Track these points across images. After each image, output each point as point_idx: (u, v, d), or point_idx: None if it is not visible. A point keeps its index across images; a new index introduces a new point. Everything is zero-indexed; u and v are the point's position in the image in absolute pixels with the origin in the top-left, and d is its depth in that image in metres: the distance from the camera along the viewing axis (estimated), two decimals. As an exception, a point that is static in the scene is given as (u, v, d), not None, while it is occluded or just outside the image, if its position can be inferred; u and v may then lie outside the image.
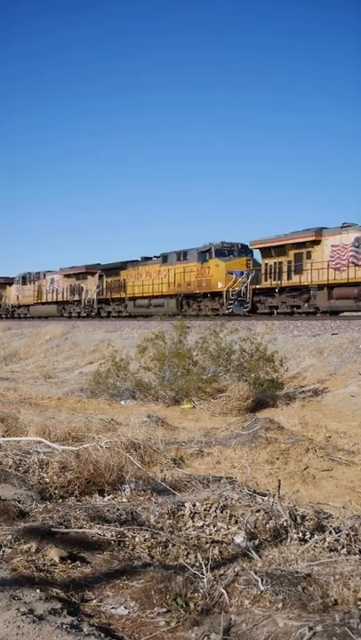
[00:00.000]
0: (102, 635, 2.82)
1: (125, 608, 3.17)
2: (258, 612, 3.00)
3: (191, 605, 3.13)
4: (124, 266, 33.31)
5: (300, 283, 22.73)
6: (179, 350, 12.92)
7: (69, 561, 3.66)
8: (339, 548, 3.84)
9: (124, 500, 5.05)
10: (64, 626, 2.81)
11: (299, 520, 4.24)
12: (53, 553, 3.68)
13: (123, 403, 12.86)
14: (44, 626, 2.78)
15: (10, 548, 3.80)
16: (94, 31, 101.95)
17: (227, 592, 3.22)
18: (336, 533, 3.98)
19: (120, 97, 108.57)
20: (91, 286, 35.59)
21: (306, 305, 22.66)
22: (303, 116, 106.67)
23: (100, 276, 35.08)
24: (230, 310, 24.71)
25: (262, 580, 3.26)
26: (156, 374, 13.09)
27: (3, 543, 3.86)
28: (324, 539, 3.92)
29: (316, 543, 3.88)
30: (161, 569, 3.56)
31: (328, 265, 21.28)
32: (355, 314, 20.25)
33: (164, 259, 29.61)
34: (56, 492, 5.12)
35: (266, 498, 4.89)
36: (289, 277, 23.42)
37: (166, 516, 4.44)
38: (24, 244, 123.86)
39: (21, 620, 2.82)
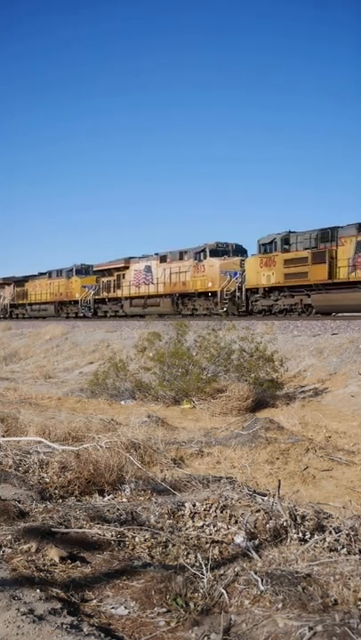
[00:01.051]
0: (102, 635, 2.82)
1: (125, 608, 3.17)
2: (258, 612, 3.00)
3: (191, 605, 3.13)
4: (26, 279, 42.86)
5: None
6: (177, 350, 12.92)
7: (69, 561, 3.66)
8: (339, 547, 3.84)
9: (124, 500, 5.05)
10: (64, 626, 2.81)
11: (299, 520, 4.24)
12: (53, 553, 3.68)
13: (123, 403, 12.86)
14: (44, 626, 2.78)
15: (10, 548, 3.80)
16: (94, 31, 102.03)
17: (227, 592, 3.22)
18: (336, 533, 3.98)
19: (120, 97, 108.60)
20: (7, 294, 45.31)
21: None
22: (303, 115, 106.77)
23: (14, 286, 44.02)
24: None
25: (262, 580, 3.26)
26: (156, 374, 13.09)
27: (3, 543, 3.86)
28: (324, 539, 3.92)
29: (316, 543, 3.88)
30: (161, 569, 3.56)
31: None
32: (355, 314, 20.26)
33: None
34: (56, 491, 5.12)
35: (266, 498, 4.89)
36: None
37: (166, 515, 4.44)
38: (24, 244, 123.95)
39: (21, 620, 2.82)
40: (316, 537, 3.96)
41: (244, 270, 24.99)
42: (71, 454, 5.68)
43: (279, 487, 4.73)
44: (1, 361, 23.65)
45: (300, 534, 4.02)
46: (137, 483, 5.43)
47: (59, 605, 3.04)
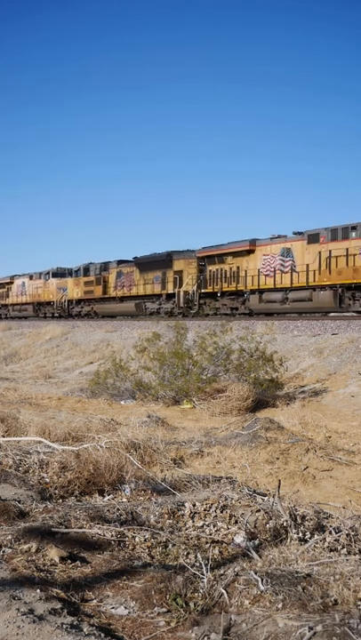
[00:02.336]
0: (102, 635, 2.82)
1: (125, 608, 3.17)
2: (258, 612, 3.00)
3: (191, 605, 3.13)
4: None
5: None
6: (177, 350, 12.92)
7: (69, 561, 3.66)
8: (339, 547, 3.84)
9: (124, 500, 5.05)
10: (64, 626, 2.81)
11: (299, 520, 4.24)
12: (53, 553, 3.68)
13: (123, 403, 12.87)
14: (44, 626, 2.78)
15: (10, 548, 3.80)
16: (93, 26, 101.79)
17: (227, 592, 3.22)
18: (336, 533, 3.98)
19: (118, 92, 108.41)
20: None
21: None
22: (304, 111, 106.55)
23: None
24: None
25: (262, 580, 3.26)
26: (156, 374, 13.10)
27: (3, 543, 3.86)
28: (325, 539, 3.92)
29: (316, 543, 3.88)
30: (161, 569, 3.56)
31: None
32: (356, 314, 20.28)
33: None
34: (56, 492, 5.13)
35: (266, 498, 4.90)
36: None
37: (166, 515, 4.44)
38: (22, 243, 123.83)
39: (21, 620, 2.82)
40: (316, 537, 3.96)
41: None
42: (71, 454, 5.68)
43: (279, 487, 4.72)
44: (1, 361, 23.65)
45: (301, 534, 4.02)
46: (137, 483, 5.43)
47: (59, 605, 3.04)
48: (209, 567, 3.45)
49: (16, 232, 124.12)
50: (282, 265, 23.20)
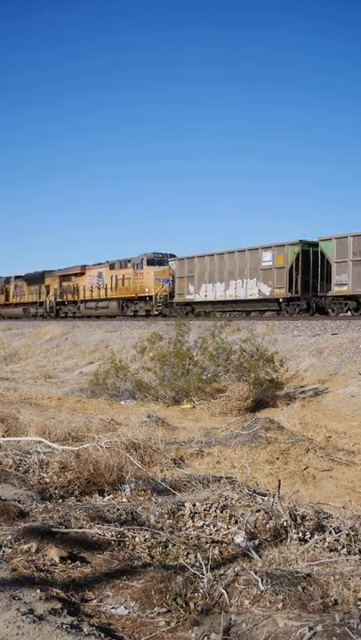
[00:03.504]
0: (102, 635, 2.82)
1: (125, 608, 3.17)
2: (258, 612, 3.00)
3: (191, 605, 3.13)
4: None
5: None
6: (178, 350, 12.92)
7: (69, 561, 3.66)
8: (339, 547, 3.84)
9: (124, 500, 5.05)
10: (64, 626, 2.81)
11: (299, 520, 4.24)
12: (53, 553, 3.68)
13: (123, 403, 12.87)
14: (44, 626, 2.78)
15: (10, 547, 3.80)
16: (93, 26, 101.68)
17: (227, 592, 3.22)
18: (336, 533, 3.98)
19: (118, 91, 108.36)
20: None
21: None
22: (304, 111, 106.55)
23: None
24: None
25: (262, 580, 3.26)
26: (156, 374, 13.10)
27: (3, 543, 3.86)
28: (325, 539, 3.92)
29: (316, 543, 3.88)
30: (161, 569, 3.56)
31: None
32: (355, 313, 20.33)
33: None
34: (56, 491, 5.13)
35: (266, 498, 4.90)
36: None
37: (166, 515, 4.44)
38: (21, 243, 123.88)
39: (21, 620, 2.82)
40: (316, 537, 3.96)
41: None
42: (71, 454, 5.68)
43: (279, 487, 4.72)
44: (1, 361, 23.64)
45: (301, 534, 4.02)
46: (137, 483, 5.43)
47: (59, 605, 3.04)
48: (209, 567, 3.45)
49: (16, 232, 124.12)
50: (98, 284, 34.49)
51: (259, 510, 4.42)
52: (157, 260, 31.07)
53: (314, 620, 2.85)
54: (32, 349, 25.48)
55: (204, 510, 4.53)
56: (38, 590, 3.17)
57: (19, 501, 4.74)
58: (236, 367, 12.86)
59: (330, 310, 21.50)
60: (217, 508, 4.54)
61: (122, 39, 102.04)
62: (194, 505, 4.61)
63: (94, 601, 3.26)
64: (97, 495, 5.17)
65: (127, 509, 4.51)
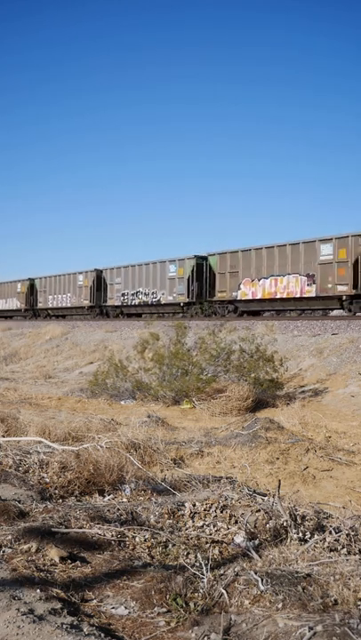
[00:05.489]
0: (102, 635, 2.82)
1: (125, 608, 3.17)
2: (258, 612, 3.00)
3: (191, 605, 3.13)
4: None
5: None
6: (177, 350, 12.92)
7: (69, 561, 3.66)
8: (339, 547, 3.84)
9: (124, 500, 5.05)
10: (64, 626, 2.81)
11: (299, 520, 4.24)
12: (53, 553, 3.68)
13: (123, 403, 12.87)
14: (44, 626, 2.78)
15: (10, 547, 3.80)
16: (93, 26, 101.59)
17: (227, 592, 3.22)
18: (336, 533, 3.98)
19: (119, 91, 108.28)
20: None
21: None
22: (304, 111, 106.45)
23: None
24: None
25: (262, 580, 3.26)
26: (156, 374, 13.10)
27: (3, 543, 3.86)
28: (325, 539, 3.92)
29: (316, 543, 3.88)
30: (161, 569, 3.56)
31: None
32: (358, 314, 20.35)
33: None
34: (56, 492, 5.13)
35: (266, 498, 4.90)
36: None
37: (166, 515, 4.44)
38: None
39: (21, 620, 2.82)
40: (316, 537, 3.96)
41: None
42: (71, 454, 5.68)
43: (279, 487, 4.73)
44: (1, 361, 23.64)
45: (301, 534, 4.02)
46: (137, 483, 5.43)
47: (59, 605, 3.04)
48: (209, 567, 3.45)
49: (16, 232, 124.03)
50: None
51: (259, 510, 4.42)
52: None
53: (314, 620, 2.85)
54: (32, 349, 25.48)
55: (204, 510, 4.53)
56: (38, 590, 3.17)
57: (19, 501, 4.74)
58: (236, 367, 12.86)
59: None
60: (217, 508, 4.55)
61: (122, 39, 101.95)
62: (194, 505, 4.61)
63: (94, 601, 3.26)
64: (97, 495, 5.17)
65: (127, 509, 4.51)
